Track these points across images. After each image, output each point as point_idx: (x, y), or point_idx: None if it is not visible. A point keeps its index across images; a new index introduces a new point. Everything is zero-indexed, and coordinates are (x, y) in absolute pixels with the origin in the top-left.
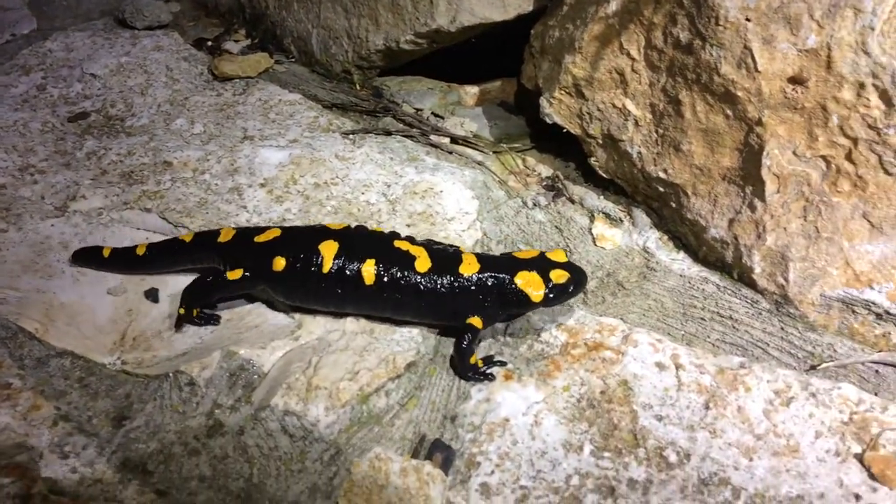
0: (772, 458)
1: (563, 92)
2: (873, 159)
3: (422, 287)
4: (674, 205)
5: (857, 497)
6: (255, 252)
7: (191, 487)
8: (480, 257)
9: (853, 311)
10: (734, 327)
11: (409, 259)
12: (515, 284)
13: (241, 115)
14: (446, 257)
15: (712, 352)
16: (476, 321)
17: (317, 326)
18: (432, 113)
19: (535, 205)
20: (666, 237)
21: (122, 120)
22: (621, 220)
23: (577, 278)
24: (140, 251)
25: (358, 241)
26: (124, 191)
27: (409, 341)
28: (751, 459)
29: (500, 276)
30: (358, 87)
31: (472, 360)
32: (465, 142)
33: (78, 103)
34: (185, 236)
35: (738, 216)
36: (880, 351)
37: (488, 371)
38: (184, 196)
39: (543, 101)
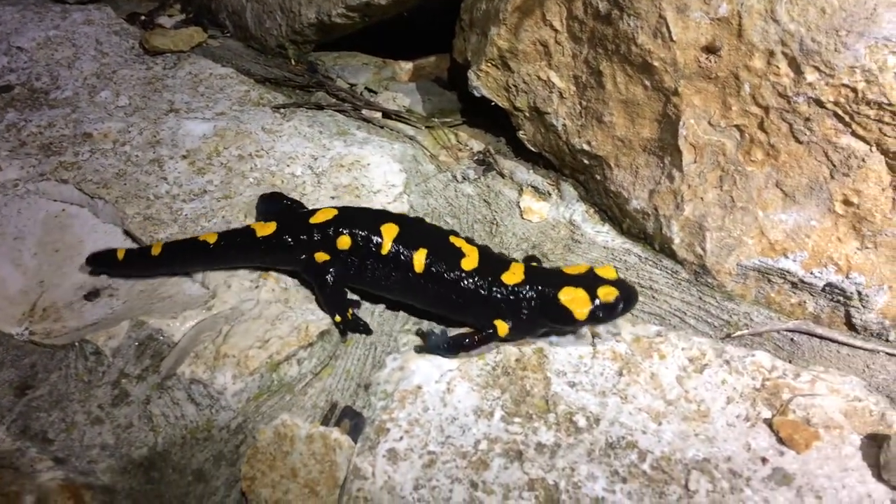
0: (681, 423)
1: (489, 64)
2: (784, 128)
3: (462, 284)
4: (598, 177)
5: (764, 460)
6: (318, 232)
7: (91, 455)
8: (528, 269)
9: (769, 281)
10: (654, 297)
11: (458, 255)
12: (559, 299)
13: (170, 88)
14: (494, 262)
15: (630, 321)
16: (502, 327)
17: (231, 296)
18: (366, 88)
19: (464, 178)
20: (592, 210)
21: (45, 93)
22: (549, 194)
23: (627, 296)
24: (155, 251)
25: (417, 228)
26: (41, 162)
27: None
28: (660, 424)
29: (544, 289)
30: (293, 62)
31: (458, 352)
32: (397, 116)
33: (2, 76)
34: (207, 237)
35: (657, 187)
36: (796, 319)
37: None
38: (102, 167)
39: (471, 74)
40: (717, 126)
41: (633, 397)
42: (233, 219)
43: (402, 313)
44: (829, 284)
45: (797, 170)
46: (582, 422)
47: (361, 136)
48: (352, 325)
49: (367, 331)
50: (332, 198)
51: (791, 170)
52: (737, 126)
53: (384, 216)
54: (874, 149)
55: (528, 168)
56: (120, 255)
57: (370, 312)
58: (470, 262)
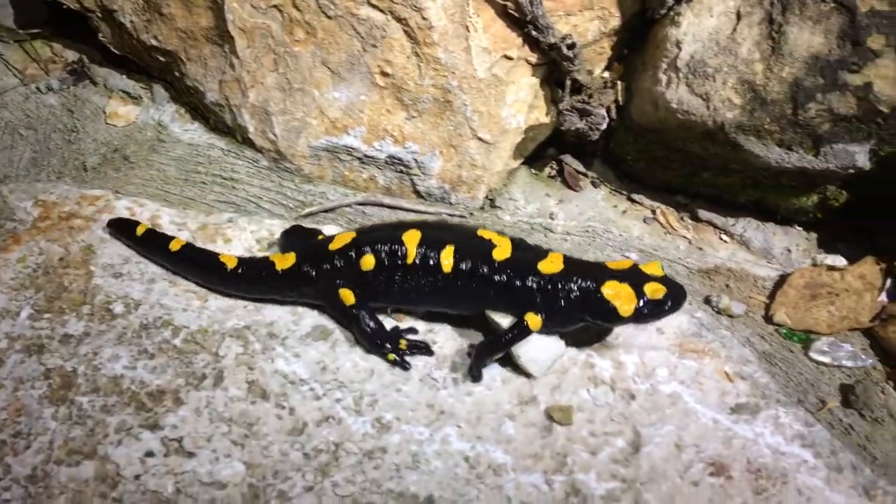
0: (228, 299)
1: None
2: (314, 4)
3: (496, 277)
4: (177, 73)
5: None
6: (339, 258)
7: None
8: (567, 259)
9: (339, 159)
10: (233, 187)
11: (488, 247)
12: (602, 294)
13: None
14: (528, 250)
15: (206, 211)
16: (534, 321)
17: None
18: None
19: (48, 89)
20: (183, 110)
21: None
22: (141, 98)
23: (675, 294)
24: (174, 246)
25: (441, 229)
26: None
27: None
28: (205, 301)
29: (586, 282)
30: None
31: (492, 358)
32: None
33: None
34: (227, 259)
35: (224, 77)
36: (368, 193)
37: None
38: None
39: None
40: (259, 8)
41: (182, 281)
42: None
43: None
44: (390, 156)
45: (335, 46)
46: (119, 308)
47: None
48: (410, 353)
49: (428, 352)
50: None
51: (331, 46)
52: (276, 6)
53: (404, 225)
54: (390, 17)
55: (123, 74)
56: (139, 231)
57: None
58: (502, 252)
